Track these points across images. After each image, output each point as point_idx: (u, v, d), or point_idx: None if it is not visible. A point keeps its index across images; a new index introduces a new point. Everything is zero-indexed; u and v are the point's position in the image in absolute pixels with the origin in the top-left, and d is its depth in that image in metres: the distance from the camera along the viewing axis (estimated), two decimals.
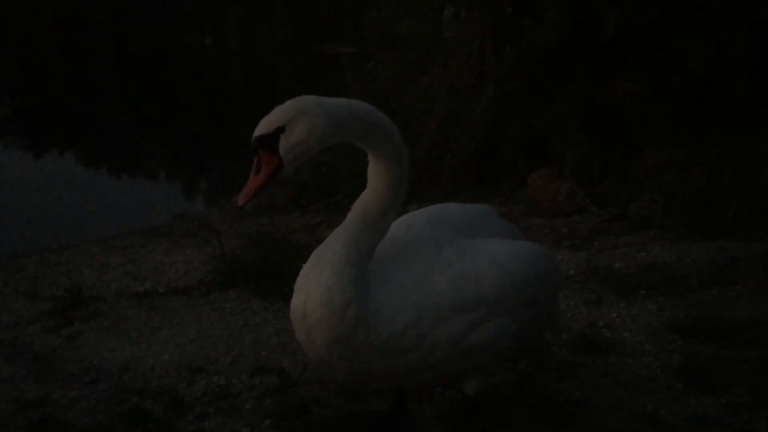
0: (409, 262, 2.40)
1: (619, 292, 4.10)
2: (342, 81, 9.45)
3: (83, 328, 4.35)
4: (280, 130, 2.13)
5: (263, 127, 2.15)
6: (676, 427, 2.77)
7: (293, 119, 2.14)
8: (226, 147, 12.66)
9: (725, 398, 2.94)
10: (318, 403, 3.04)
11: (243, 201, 2.19)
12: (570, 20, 6.36)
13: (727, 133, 6.04)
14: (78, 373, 3.77)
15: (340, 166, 8.49)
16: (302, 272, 2.37)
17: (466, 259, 2.42)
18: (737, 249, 4.76)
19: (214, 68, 17.94)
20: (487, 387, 3.01)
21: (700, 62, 6.27)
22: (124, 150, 12.39)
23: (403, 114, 7.48)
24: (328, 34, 18.84)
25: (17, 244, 7.32)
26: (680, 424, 2.78)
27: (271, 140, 2.13)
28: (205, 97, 15.75)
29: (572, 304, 3.98)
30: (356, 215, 2.35)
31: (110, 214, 8.75)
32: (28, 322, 4.84)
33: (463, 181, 7.53)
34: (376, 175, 2.34)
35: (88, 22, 18.53)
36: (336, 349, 2.27)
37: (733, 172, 5.55)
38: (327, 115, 2.16)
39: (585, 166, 6.31)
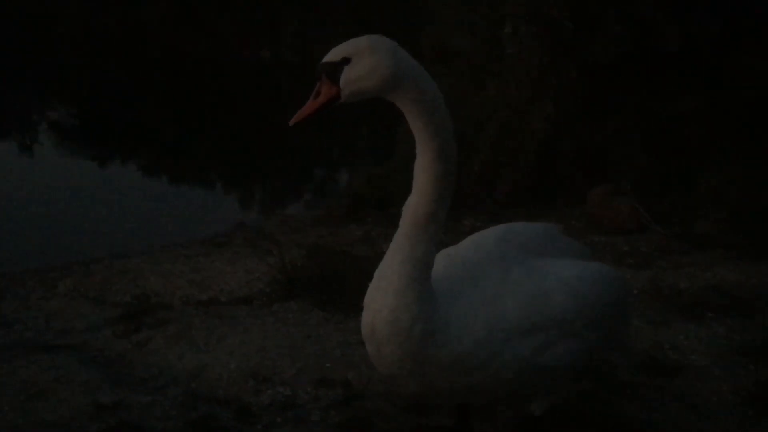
0: (478, 281, 2.43)
1: (685, 313, 4.04)
2: None
3: (152, 334, 4.50)
4: (345, 60, 2.19)
5: (331, 55, 2.22)
6: None
7: (361, 54, 2.19)
8: (281, 158, 12.89)
9: None
10: (382, 416, 3.09)
11: (294, 121, 2.29)
12: (631, 35, 6.30)
13: None
14: (148, 378, 3.91)
15: (394, 177, 8.55)
16: (369, 290, 2.42)
17: (536, 280, 2.44)
18: None
19: (270, 81, 18.28)
20: (552, 406, 3.01)
21: (766, 77, 6.14)
22: (182, 160, 12.74)
23: (458, 128, 7.50)
24: None
25: (86, 250, 7.59)
26: None
27: (335, 69, 2.19)
28: (261, 109, 16.05)
29: (636, 324, 3.94)
30: (405, 225, 2.35)
31: (171, 222, 8.98)
32: (99, 327, 5.02)
33: (518, 197, 7.51)
34: (420, 171, 2.31)
35: (147, 35, 19.20)
36: (405, 365, 2.32)
37: None
38: (395, 60, 2.20)
39: (646, 183, 6.22)
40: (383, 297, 2.28)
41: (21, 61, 19.67)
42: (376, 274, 2.38)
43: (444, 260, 2.50)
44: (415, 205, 2.34)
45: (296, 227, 8.54)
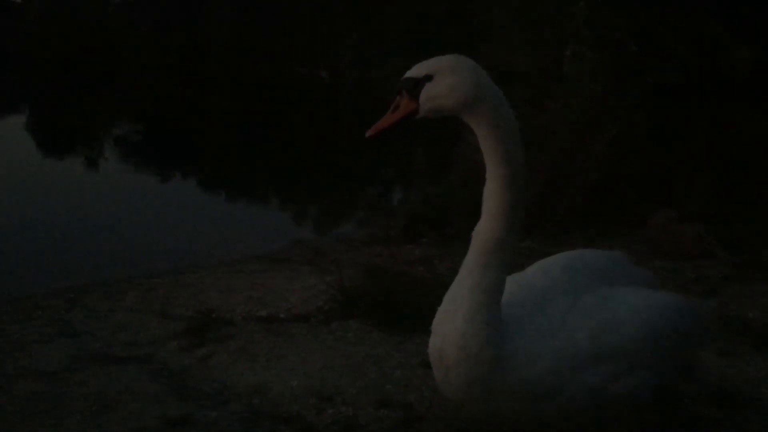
0: (546, 308, 2.42)
1: (756, 345, 3.92)
2: None
3: (215, 349, 4.59)
4: (428, 77, 2.25)
5: (414, 70, 2.28)
6: None
7: (443, 72, 2.25)
8: (336, 176, 13.05)
9: None
10: None
11: (371, 133, 2.33)
12: (698, 58, 6.19)
13: None
14: (212, 393, 3.98)
15: (450, 198, 8.55)
16: (438, 315, 2.42)
17: (606, 309, 2.41)
18: None
19: (329, 100, 18.55)
20: None
21: None
22: (240, 177, 13.00)
23: None
24: None
25: (148, 263, 7.81)
26: None
27: (416, 85, 2.25)
28: (318, 128, 16.30)
29: (705, 354, 3.83)
30: (476, 250, 2.36)
31: (229, 237, 9.18)
32: (163, 341, 5.15)
33: (576, 220, 7.42)
34: (490, 196, 2.32)
35: (210, 56, 19.82)
36: (472, 391, 2.31)
37: None
38: (475, 82, 2.25)
39: (713, 208, 6.07)
40: (452, 322, 2.29)
41: (90, 81, 20.47)
42: (446, 298, 2.39)
43: (511, 286, 2.50)
44: (485, 231, 2.35)
45: (352, 245, 8.61)
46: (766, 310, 4.51)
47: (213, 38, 21.70)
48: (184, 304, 6.31)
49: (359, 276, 5.93)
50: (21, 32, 22.57)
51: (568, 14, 6.47)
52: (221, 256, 8.18)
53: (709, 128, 6.39)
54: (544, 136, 7.59)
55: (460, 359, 2.26)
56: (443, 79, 2.24)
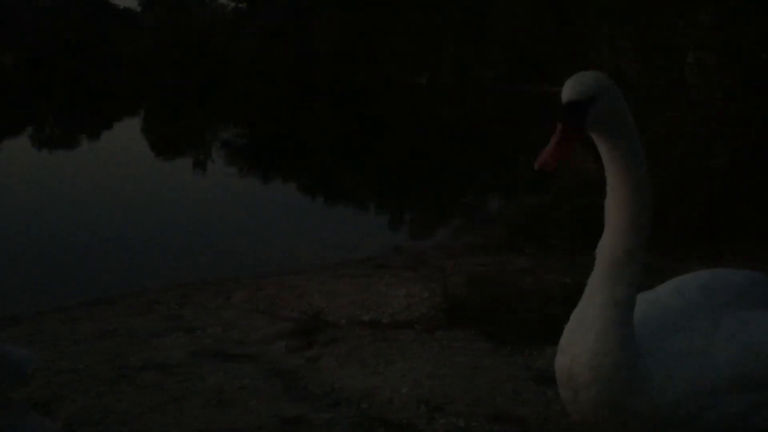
0: (683, 330, 2.30)
1: None
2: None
3: (323, 352, 4.67)
4: (591, 100, 2.12)
5: (575, 93, 2.12)
6: None
7: (604, 93, 2.13)
8: (436, 184, 13.04)
9: None
10: None
11: (540, 164, 2.12)
12: None
13: None
14: (321, 395, 4.04)
15: (554, 208, 8.36)
16: (566, 333, 2.34)
17: (750, 333, 2.27)
18: None
19: (427, 106, 18.58)
20: None
21: None
22: (340, 182, 13.22)
23: None
24: (539, 73, 18.83)
25: (254, 265, 8.06)
26: None
27: (581, 109, 2.12)
28: (418, 134, 16.36)
29: None
30: (604, 265, 2.27)
31: (332, 242, 9.33)
32: (271, 340, 5.28)
33: (692, 234, 7.07)
34: (615, 209, 2.23)
35: (314, 63, 20.30)
36: (602, 413, 2.23)
37: None
38: (620, 100, 2.16)
39: None
40: (584, 341, 2.21)
41: (201, 87, 21.41)
42: (574, 316, 2.31)
43: (642, 305, 2.39)
44: (612, 245, 2.26)
45: (453, 253, 8.56)
46: None
47: (317, 47, 22.23)
48: (290, 305, 6.46)
49: (463, 284, 5.88)
50: (139, 40, 23.93)
51: (690, 20, 6.18)
52: (324, 260, 8.33)
53: None
54: (658, 146, 7.30)
55: (592, 380, 2.18)
56: (604, 100, 2.13)
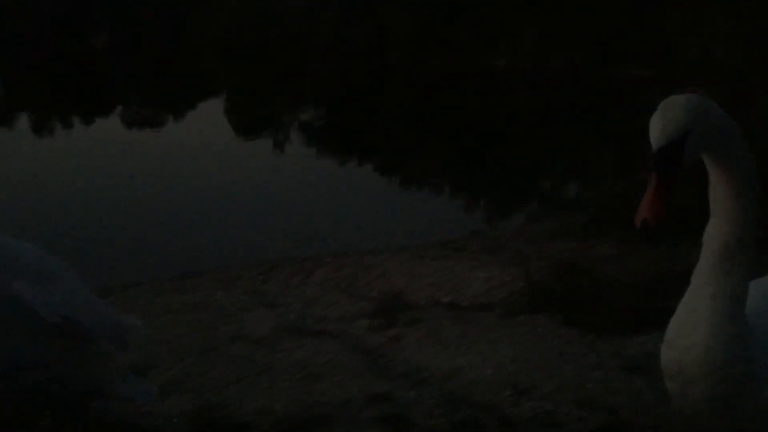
0: None
1: None
2: (638, 106, 9.03)
3: (405, 331, 4.70)
4: (685, 135, 1.92)
5: (667, 133, 1.90)
6: None
7: (700, 119, 1.94)
8: (513, 168, 12.86)
9: None
10: None
11: (641, 219, 1.91)
12: None
13: None
14: (404, 373, 4.08)
15: (638, 195, 8.12)
16: (673, 326, 2.24)
17: None
18: None
19: (505, 90, 18.33)
20: None
21: None
22: (418, 166, 13.21)
23: None
24: (621, 57, 18.27)
25: (334, 244, 8.18)
26: None
27: (677, 148, 1.91)
28: (496, 118, 16.15)
29: None
30: (713, 255, 2.16)
31: (409, 224, 9.36)
32: (352, 318, 5.36)
33: None
34: (722, 195, 2.08)
35: (390, 45, 20.37)
36: (713, 407, 2.15)
37: None
38: (720, 115, 1.97)
39: None
40: (694, 335, 2.12)
41: (279, 69, 21.79)
42: (682, 308, 2.22)
43: (754, 294, 2.29)
44: (721, 233, 2.16)
45: (532, 239, 8.43)
46: None
47: (393, 29, 22.19)
48: (369, 285, 6.53)
49: (546, 270, 5.81)
50: (218, 22, 24.56)
51: None
52: (402, 242, 8.36)
53: None
54: (753, 132, 6.96)
55: (704, 376, 2.10)
56: (700, 130, 1.92)
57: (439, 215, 10.00)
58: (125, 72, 22.70)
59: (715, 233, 2.18)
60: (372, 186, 11.71)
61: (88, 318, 2.45)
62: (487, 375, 3.80)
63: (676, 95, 2.02)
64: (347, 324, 5.17)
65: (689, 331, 2.13)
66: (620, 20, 18.94)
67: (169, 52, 24.16)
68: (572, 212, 9.54)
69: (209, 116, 16.72)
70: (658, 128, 1.90)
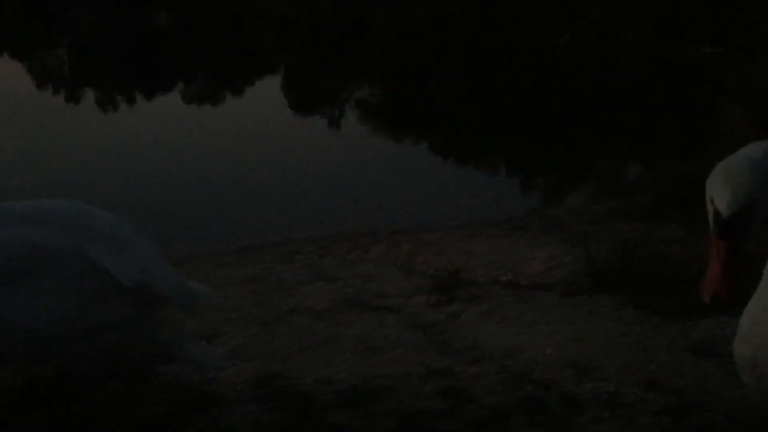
0: None
1: None
2: (709, 83, 8.70)
3: (464, 308, 4.69)
4: (757, 200, 1.76)
5: (738, 202, 1.75)
6: None
7: (763, 186, 1.77)
8: (573, 146, 12.60)
9: None
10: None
11: (718, 292, 1.79)
12: None
13: None
14: (463, 349, 4.07)
15: (706, 175, 7.86)
16: (747, 321, 2.16)
17: None
18: None
19: (566, 67, 17.90)
20: None
21: None
22: (475, 142, 13.06)
23: None
24: (690, 33, 17.61)
25: (390, 221, 8.19)
26: None
27: (745, 217, 1.77)
28: (556, 96, 15.82)
29: None
30: None
31: (466, 202, 9.29)
32: (409, 294, 5.37)
33: None
34: None
35: (450, 22, 20.12)
36: None
37: None
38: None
39: None
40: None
41: (336, 47, 21.79)
42: (756, 302, 2.13)
43: None
44: None
45: (592, 219, 8.27)
46: None
47: (451, 4, 21.90)
48: (426, 262, 6.52)
49: (608, 251, 5.69)
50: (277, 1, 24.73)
51: None
52: (458, 220, 8.32)
53: None
54: None
55: None
56: (763, 191, 1.77)
57: (495, 193, 9.89)
58: (185, 48, 23.08)
59: None
60: (428, 163, 11.65)
61: (161, 283, 2.51)
62: (547, 354, 3.76)
63: (737, 154, 1.85)
64: (405, 300, 5.19)
65: (764, 329, 2.05)
66: None
67: (228, 28, 24.44)
68: (634, 193, 9.31)
69: (266, 92, 16.88)
70: (725, 197, 1.75)
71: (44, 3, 26.15)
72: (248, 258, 6.54)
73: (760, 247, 2.15)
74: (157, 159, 10.62)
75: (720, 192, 1.77)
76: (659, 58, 17.12)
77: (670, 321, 4.17)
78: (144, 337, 2.61)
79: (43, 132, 12.05)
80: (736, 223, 1.76)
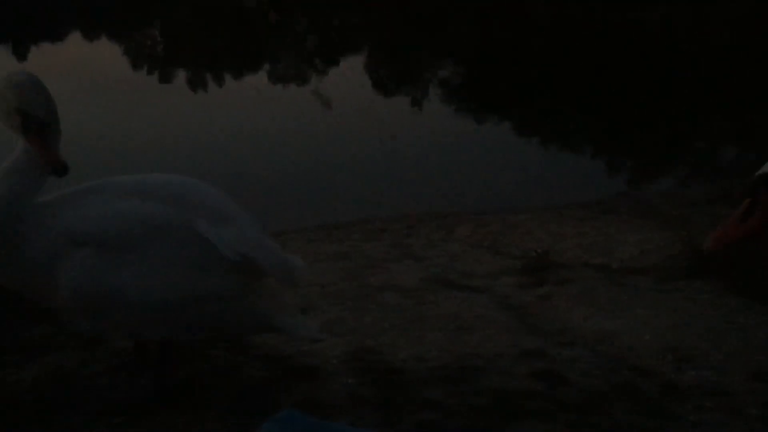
0: None
1: None
2: None
3: (554, 291, 4.60)
4: None
5: None
6: None
7: None
8: (663, 128, 12.11)
9: None
10: None
11: (713, 246, 1.79)
12: None
13: None
14: (555, 332, 4.00)
15: None
16: None
17: None
18: None
19: (659, 44, 17.15)
20: None
21: None
22: (561, 123, 12.74)
23: None
24: None
25: (476, 201, 8.12)
26: None
27: None
28: (645, 75, 15.21)
29: None
30: None
31: (552, 184, 9.08)
32: (497, 275, 5.31)
33: None
34: None
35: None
36: None
37: None
38: None
39: None
40: None
41: (421, 25, 21.66)
42: None
43: None
44: None
45: (686, 202, 7.95)
46: None
47: None
48: (514, 243, 6.43)
49: (706, 235, 5.44)
50: None
51: None
52: (545, 201, 8.15)
53: None
54: None
55: None
56: None
57: (583, 175, 9.65)
58: (272, 29, 23.47)
59: None
60: (511, 144, 11.45)
61: (262, 256, 2.57)
62: (645, 340, 3.65)
63: None
64: (493, 280, 5.14)
65: None
66: None
67: (313, 8, 24.68)
68: (731, 175, 8.90)
69: (350, 72, 16.96)
70: None
71: None
72: (335, 235, 6.63)
73: None
74: (245, 138, 10.87)
75: None
76: (763, 32, 16.11)
77: None
78: (245, 307, 2.69)
79: (138, 111, 12.55)
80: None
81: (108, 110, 12.17)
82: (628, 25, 18.46)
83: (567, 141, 11.78)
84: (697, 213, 6.89)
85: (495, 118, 13.25)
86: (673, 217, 6.73)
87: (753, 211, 1.70)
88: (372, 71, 17.54)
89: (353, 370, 3.09)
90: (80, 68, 16.14)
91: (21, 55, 17.55)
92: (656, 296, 4.36)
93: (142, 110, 12.63)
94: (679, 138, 11.81)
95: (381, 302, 4.16)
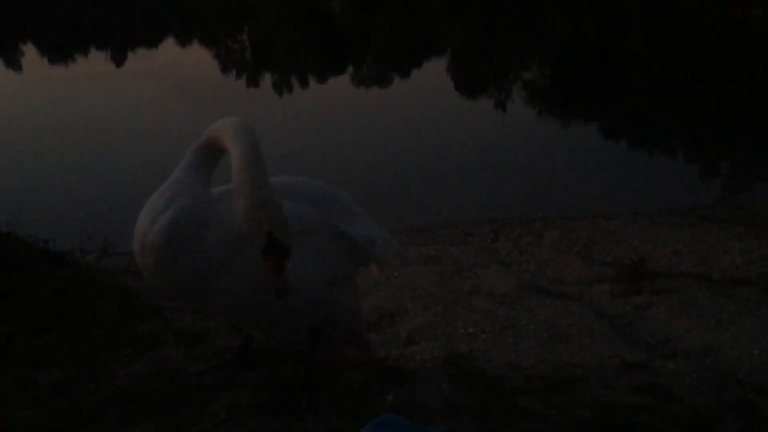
0: None
1: None
2: None
3: (652, 300, 4.43)
4: None
5: None
6: None
7: None
8: (761, 131, 11.49)
9: None
10: None
11: None
12: None
13: None
14: (655, 344, 3.85)
15: None
16: None
17: None
18: None
19: (762, 44, 16.30)
20: None
21: None
22: (656, 127, 12.29)
23: None
24: None
25: (564, 206, 7.91)
26: None
27: None
28: (747, 75, 14.48)
29: None
30: None
31: (646, 189, 8.75)
32: (590, 282, 5.16)
33: None
34: None
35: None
36: None
37: None
38: None
39: None
40: None
41: (506, 26, 21.41)
42: None
43: None
44: None
45: None
46: None
47: None
48: (606, 250, 6.24)
49: None
50: None
51: None
52: (638, 207, 7.88)
53: None
54: None
55: None
56: None
57: (678, 181, 9.25)
58: (356, 32, 23.72)
59: None
60: (601, 148, 11.12)
61: (388, 244, 2.90)
62: (754, 355, 3.46)
63: None
64: (586, 287, 5.00)
65: None
66: None
67: (400, 12, 24.78)
68: None
69: (431, 74, 16.92)
70: None
71: None
72: (419, 238, 6.60)
73: None
74: (329, 140, 10.99)
75: None
76: None
77: None
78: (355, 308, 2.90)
79: (226, 113, 12.91)
80: None
81: (198, 112, 12.56)
82: (726, 22, 17.65)
83: (658, 143, 11.34)
84: None
85: (581, 120, 12.93)
86: None
87: None
88: (454, 73, 17.45)
89: (448, 375, 3.06)
90: (173, 72, 16.77)
91: (119, 61, 18.39)
92: (764, 309, 4.12)
93: (230, 113, 12.99)
94: None
95: (471, 307, 4.10)
